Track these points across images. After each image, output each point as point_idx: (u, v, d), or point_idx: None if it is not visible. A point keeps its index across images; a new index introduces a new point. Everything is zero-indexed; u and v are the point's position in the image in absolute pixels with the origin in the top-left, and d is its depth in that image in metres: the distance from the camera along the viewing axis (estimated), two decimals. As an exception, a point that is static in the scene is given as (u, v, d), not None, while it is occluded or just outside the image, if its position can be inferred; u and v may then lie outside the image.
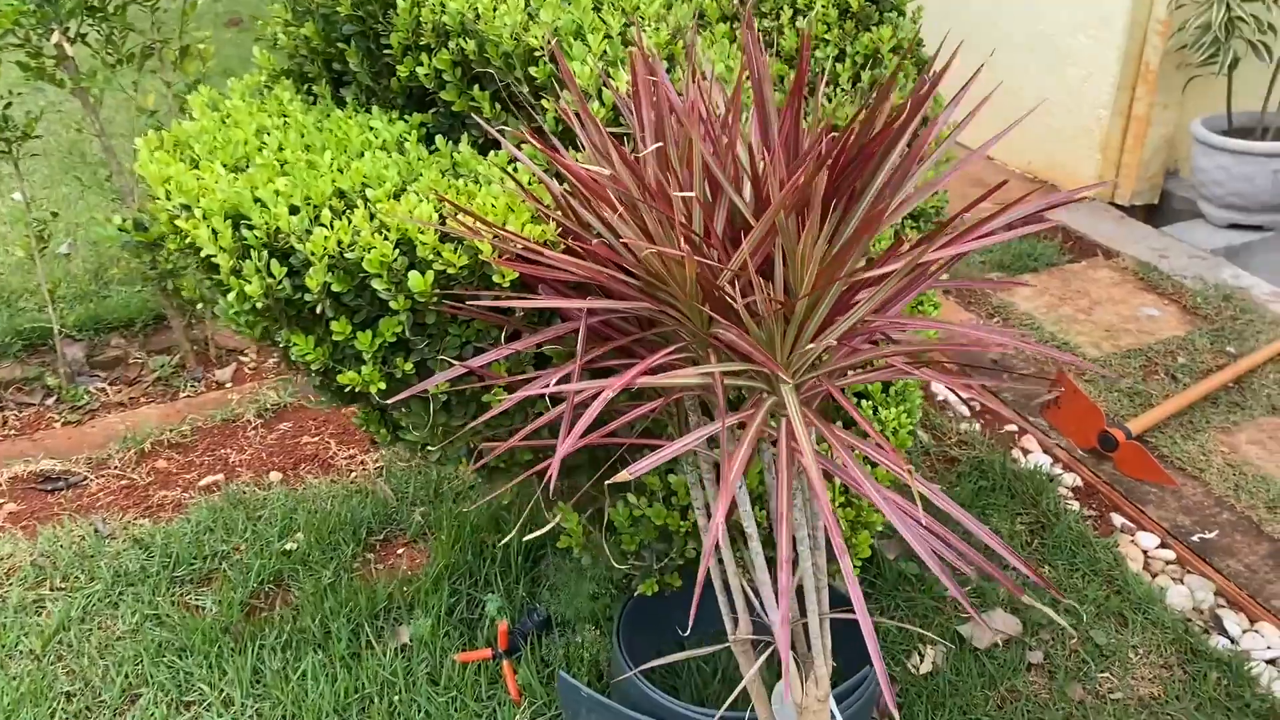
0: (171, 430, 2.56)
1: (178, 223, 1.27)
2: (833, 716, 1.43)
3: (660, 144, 1.04)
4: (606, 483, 1.07)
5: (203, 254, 1.24)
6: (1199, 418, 2.57)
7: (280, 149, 1.40)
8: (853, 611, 1.25)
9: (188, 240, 1.27)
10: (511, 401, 1.13)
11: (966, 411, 2.65)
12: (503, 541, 2.08)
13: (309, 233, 1.22)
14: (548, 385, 1.07)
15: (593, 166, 1.13)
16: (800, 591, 1.38)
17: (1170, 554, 2.22)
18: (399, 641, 1.94)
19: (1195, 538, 2.24)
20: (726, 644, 1.39)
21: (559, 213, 1.20)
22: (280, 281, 1.22)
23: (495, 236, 1.17)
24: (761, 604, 1.36)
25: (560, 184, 1.26)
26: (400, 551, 2.20)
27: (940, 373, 1.28)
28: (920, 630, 1.96)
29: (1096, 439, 2.44)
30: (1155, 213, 3.78)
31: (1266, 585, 2.12)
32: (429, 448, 1.54)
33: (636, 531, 1.62)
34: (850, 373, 1.21)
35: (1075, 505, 2.33)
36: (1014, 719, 1.82)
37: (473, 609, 2.02)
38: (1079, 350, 2.86)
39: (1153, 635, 1.99)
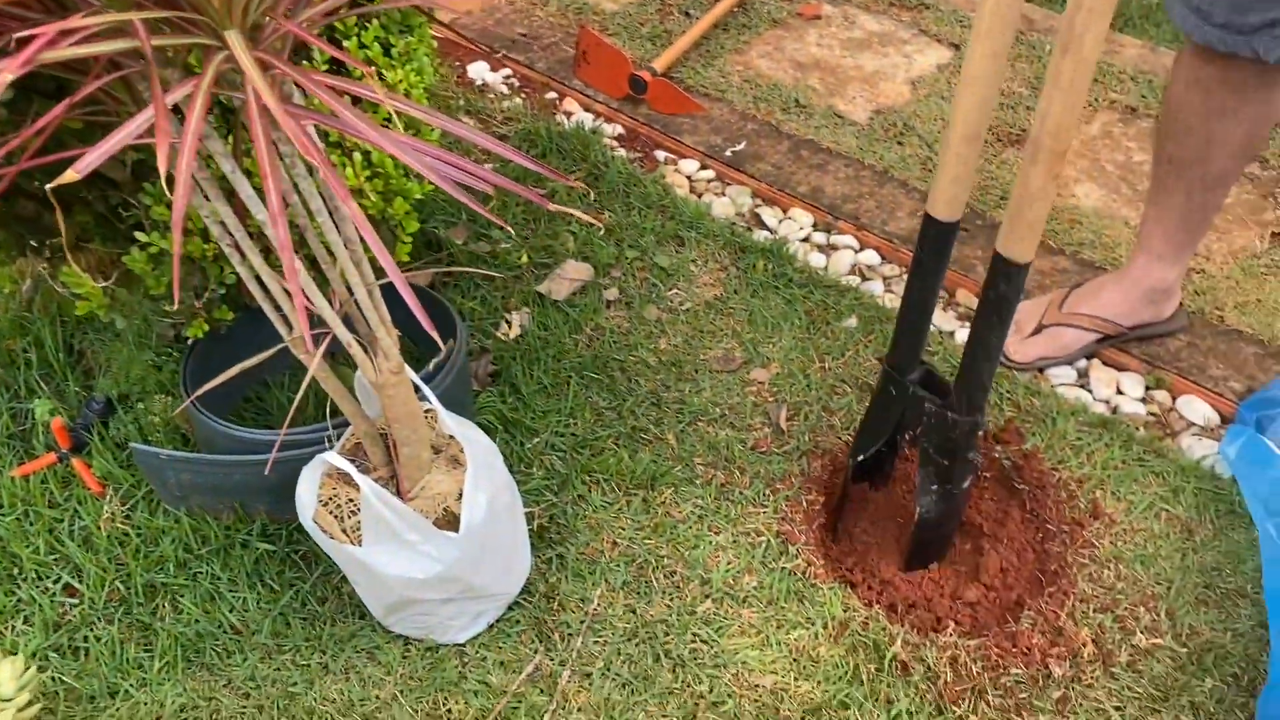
0: None
1: None
2: (417, 388, 1.42)
3: None
4: (48, 186, 0.91)
5: None
6: (714, 45, 2.71)
7: None
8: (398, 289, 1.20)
9: None
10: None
11: (507, 90, 2.62)
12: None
13: None
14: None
15: None
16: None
17: (710, 173, 2.38)
18: (-60, 480, 1.70)
19: (728, 152, 2.41)
20: (282, 345, 1.32)
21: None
22: None
23: None
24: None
25: None
26: (-87, 391, 1.88)
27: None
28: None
29: (628, 84, 2.50)
30: None
31: (791, 177, 2.34)
32: None
33: (162, 272, 1.46)
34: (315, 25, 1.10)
35: (622, 152, 2.41)
36: (602, 351, 1.92)
37: (21, 421, 1.79)
38: (599, 7, 2.88)
39: (707, 246, 2.15)
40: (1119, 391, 1.91)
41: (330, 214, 1.23)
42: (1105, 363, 1.96)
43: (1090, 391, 1.90)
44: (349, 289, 1.28)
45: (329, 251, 1.25)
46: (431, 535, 1.37)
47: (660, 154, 2.42)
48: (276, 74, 1.03)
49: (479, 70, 2.65)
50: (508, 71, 2.67)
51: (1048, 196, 1.17)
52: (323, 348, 1.30)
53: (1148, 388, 1.91)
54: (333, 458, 1.36)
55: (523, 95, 2.59)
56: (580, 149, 2.35)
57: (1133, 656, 1.50)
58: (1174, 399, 1.89)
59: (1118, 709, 1.45)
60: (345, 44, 1.47)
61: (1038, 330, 1.92)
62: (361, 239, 1.24)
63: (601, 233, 2.16)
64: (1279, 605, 1.45)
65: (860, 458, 1.57)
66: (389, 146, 1.04)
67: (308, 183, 1.18)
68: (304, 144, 0.93)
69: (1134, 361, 1.95)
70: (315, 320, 1.30)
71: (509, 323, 1.98)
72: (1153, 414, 1.87)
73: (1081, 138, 2.43)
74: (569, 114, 2.53)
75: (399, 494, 1.44)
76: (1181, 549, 1.63)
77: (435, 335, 1.13)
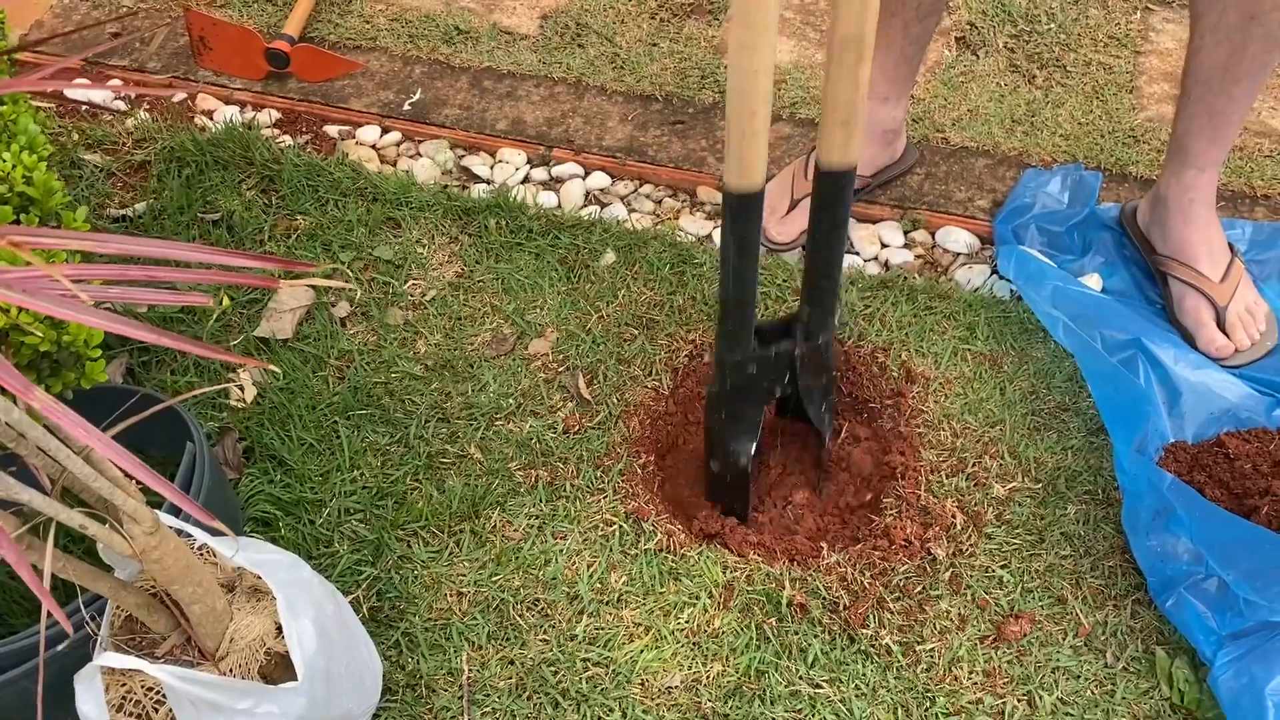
0: None
1: None
2: (182, 532, 1.16)
3: None
4: None
5: None
6: (343, -12, 2.39)
7: None
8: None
9: None
10: None
11: (124, 104, 2.20)
12: None
13: None
14: None
15: None
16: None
17: (396, 135, 2.12)
18: None
19: (406, 106, 2.15)
20: (-6, 562, 1.01)
21: None
22: None
23: None
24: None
25: None
26: None
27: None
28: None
29: (265, 61, 2.16)
30: None
31: (484, 115, 2.12)
32: None
33: None
34: None
35: (288, 139, 2.09)
36: (360, 379, 1.68)
37: None
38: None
39: (426, 221, 1.92)
40: (883, 245, 1.89)
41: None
42: (860, 219, 1.93)
43: (858, 254, 1.87)
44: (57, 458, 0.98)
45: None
46: (266, 694, 1.13)
47: (332, 129, 2.13)
48: None
49: (81, 91, 2.21)
50: (117, 81, 2.24)
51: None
52: (50, 542, 1.01)
53: (906, 232, 1.90)
54: (110, 659, 1.08)
55: (145, 106, 2.19)
56: (241, 152, 2.02)
57: (998, 510, 1.50)
58: (933, 235, 1.89)
59: (1004, 567, 1.45)
60: (-84, 143, 1.11)
61: (793, 206, 1.86)
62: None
63: (302, 238, 1.87)
64: (1112, 414, 1.48)
65: (744, 461, 1.44)
66: (17, 300, 0.76)
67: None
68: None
69: (885, 210, 1.93)
70: (26, 509, 1.01)
71: (239, 385, 1.68)
72: (920, 256, 1.87)
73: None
74: (209, 113, 2.16)
75: (205, 656, 1.18)
76: (998, 384, 1.65)
77: (176, 498, 0.88)
